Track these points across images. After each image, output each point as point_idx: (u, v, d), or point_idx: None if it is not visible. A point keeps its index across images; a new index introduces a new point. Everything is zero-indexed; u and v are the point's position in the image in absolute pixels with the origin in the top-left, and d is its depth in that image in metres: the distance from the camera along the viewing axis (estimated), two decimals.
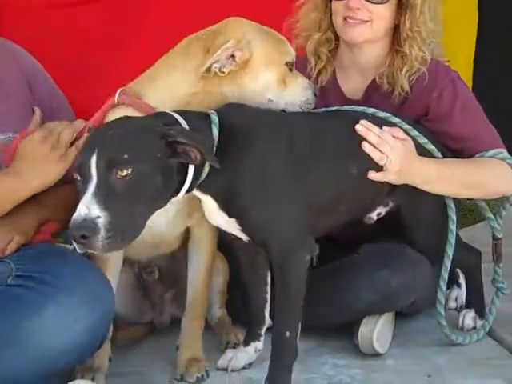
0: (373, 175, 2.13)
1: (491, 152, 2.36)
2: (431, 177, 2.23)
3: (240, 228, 2.04)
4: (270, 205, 2.01)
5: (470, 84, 3.26)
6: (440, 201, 2.31)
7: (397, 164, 2.13)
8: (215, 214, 2.06)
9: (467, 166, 2.33)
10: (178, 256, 2.48)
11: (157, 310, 2.55)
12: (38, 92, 2.25)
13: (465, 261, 2.48)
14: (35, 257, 2.05)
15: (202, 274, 2.28)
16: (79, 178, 1.84)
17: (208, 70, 2.02)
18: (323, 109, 2.29)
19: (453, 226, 2.30)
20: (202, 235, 2.26)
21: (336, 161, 2.13)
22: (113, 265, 2.21)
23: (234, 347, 2.35)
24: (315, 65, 2.48)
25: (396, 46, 2.41)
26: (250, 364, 2.26)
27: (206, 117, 2.02)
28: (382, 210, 2.29)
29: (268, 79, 2.10)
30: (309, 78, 2.38)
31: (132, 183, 1.82)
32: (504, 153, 2.38)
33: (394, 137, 2.14)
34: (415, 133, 2.25)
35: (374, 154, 2.12)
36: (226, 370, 2.24)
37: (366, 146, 2.12)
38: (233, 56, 2.03)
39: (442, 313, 2.31)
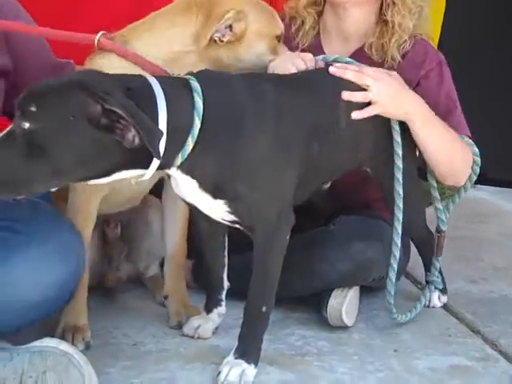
0: (356, 114, 2.03)
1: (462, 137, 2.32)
2: (424, 114, 2.14)
3: (228, 210, 1.91)
4: (265, 188, 1.91)
5: None
6: (409, 170, 2.23)
7: (383, 93, 2.05)
8: (193, 194, 1.89)
9: (454, 134, 2.27)
10: (137, 211, 2.44)
11: (113, 266, 2.51)
12: None
13: (423, 241, 2.46)
14: (5, 205, 1.87)
15: (181, 224, 2.28)
16: None
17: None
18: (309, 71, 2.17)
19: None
20: None
21: (315, 132, 2.02)
22: (88, 219, 2.11)
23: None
24: (301, 25, 2.43)
25: (383, 15, 2.37)
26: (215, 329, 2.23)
27: (185, 84, 1.81)
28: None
29: (261, 50, 2.12)
30: (292, 38, 2.37)
31: (31, 138, 1.64)
32: (471, 141, 2.35)
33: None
34: None
35: (357, 96, 2.04)
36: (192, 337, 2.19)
37: (345, 95, 2.02)
38: (231, 26, 2.03)
39: (392, 292, 2.25)
